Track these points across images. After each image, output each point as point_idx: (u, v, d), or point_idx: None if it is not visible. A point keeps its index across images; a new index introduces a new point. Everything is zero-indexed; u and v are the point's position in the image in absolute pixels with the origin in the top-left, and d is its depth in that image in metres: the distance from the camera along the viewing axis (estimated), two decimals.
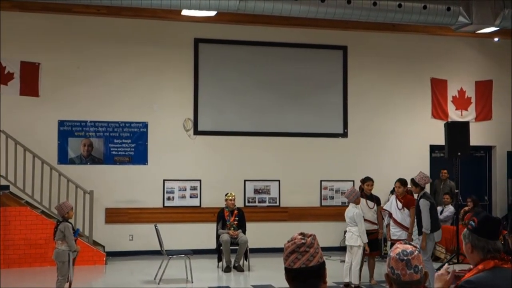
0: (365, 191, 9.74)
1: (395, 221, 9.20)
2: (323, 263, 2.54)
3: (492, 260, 3.01)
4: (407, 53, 13.91)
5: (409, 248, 2.85)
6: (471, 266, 3.12)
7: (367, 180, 9.81)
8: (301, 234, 2.56)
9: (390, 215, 9.26)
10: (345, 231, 9.61)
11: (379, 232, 9.77)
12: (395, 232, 9.16)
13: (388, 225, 9.47)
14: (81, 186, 11.60)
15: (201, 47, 12.85)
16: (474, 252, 3.08)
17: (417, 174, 9.01)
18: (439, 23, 10.56)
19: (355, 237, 9.04)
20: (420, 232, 8.88)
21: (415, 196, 9.27)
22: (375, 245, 9.70)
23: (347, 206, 9.37)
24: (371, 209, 9.64)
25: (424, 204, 8.71)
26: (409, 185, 9.37)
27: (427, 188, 10.59)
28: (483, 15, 10.47)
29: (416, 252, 2.84)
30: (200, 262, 10.96)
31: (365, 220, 9.37)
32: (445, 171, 13.40)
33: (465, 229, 3.17)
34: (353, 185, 12.63)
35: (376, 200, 9.79)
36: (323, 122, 13.42)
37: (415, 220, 9.03)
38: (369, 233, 9.31)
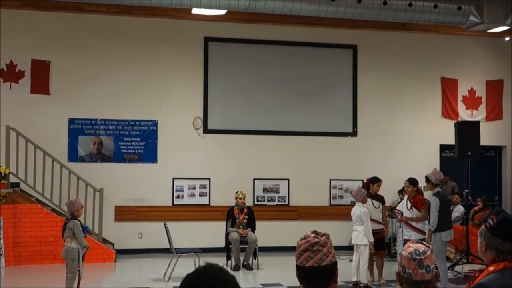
0: (371, 190, 9.72)
1: (405, 222, 9.18)
2: (335, 263, 2.53)
3: (502, 262, 2.99)
4: (417, 52, 13.85)
5: (421, 247, 2.84)
6: (483, 267, 3.10)
7: (377, 181, 9.77)
8: (314, 232, 2.55)
9: (402, 215, 9.25)
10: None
11: (384, 232, 9.75)
12: (406, 232, 9.16)
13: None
14: (91, 184, 11.65)
15: (211, 46, 12.87)
16: (487, 251, 3.04)
17: (431, 171, 9.03)
18: (450, 22, 10.52)
19: (361, 236, 9.02)
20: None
21: (424, 193, 9.23)
22: (381, 244, 9.68)
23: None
24: (377, 209, 9.63)
25: (434, 202, 8.71)
26: (420, 185, 9.32)
27: None
28: (494, 14, 10.43)
29: (429, 252, 2.84)
30: (209, 260, 10.84)
31: (371, 219, 9.35)
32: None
33: (483, 226, 3.11)
34: (362, 185, 12.62)
35: (381, 199, 9.77)
36: (332, 121, 13.40)
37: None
38: (374, 232, 9.29)
